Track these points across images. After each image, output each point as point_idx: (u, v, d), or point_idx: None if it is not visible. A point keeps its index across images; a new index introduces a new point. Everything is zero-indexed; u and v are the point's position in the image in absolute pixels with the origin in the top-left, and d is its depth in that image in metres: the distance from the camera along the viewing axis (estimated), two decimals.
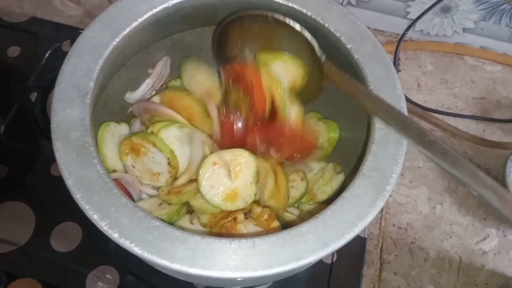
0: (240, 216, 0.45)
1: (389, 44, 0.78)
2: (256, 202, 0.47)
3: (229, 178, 0.45)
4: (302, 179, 0.49)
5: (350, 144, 0.48)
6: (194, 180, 0.46)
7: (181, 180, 0.47)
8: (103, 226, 0.33)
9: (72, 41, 0.69)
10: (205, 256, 0.33)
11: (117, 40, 0.41)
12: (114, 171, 0.47)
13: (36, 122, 0.63)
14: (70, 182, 0.35)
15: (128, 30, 0.42)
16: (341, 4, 0.75)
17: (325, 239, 0.34)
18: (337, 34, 0.43)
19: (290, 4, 0.44)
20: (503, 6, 0.68)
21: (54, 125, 0.37)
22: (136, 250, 0.33)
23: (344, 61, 0.44)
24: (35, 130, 0.63)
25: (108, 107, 0.48)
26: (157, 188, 0.48)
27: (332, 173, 0.50)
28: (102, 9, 0.80)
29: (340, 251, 0.57)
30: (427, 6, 0.70)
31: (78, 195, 0.34)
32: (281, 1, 0.45)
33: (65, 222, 0.57)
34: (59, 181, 0.58)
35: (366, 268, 0.59)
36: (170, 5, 0.44)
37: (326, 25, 0.44)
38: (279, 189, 0.46)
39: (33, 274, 0.53)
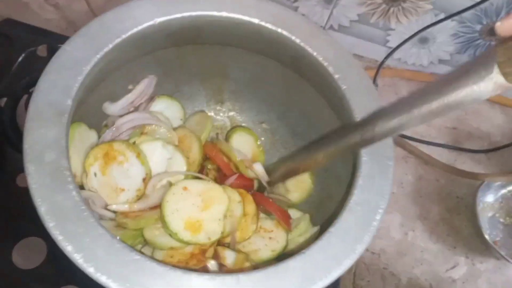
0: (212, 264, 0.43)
1: (368, 69, 0.79)
2: (221, 244, 0.46)
3: (198, 207, 0.43)
4: (282, 230, 0.48)
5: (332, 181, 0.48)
6: (157, 207, 0.44)
7: (143, 204, 0.44)
8: (78, 259, 0.31)
9: (48, 45, 0.67)
10: None
11: (98, 56, 0.39)
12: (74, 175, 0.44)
13: (4, 130, 0.60)
14: (43, 209, 0.32)
15: (111, 46, 0.40)
16: (323, 28, 0.77)
17: (312, 276, 0.33)
18: (325, 64, 0.43)
19: (279, 30, 0.44)
20: (478, 41, 0.71)
21: (26, 146, 0.34)
22: (112, 286, 0.30)
23: (329, 91, 0.44)
24: (2, 138, 0.60)
25: (81, 113, 0.46)
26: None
27: (308, 224, 0.50)
28: (81, 15, 0.79)
29: None
30: (406, 36, 0.71)
31: (50, 224, 0.32)
32: (270, 27, 0.44)
33: (29, 237, 0.53)
34: (25, 193, 0.56)
35: None
36: (156, 23, 0.42)
37: (315, 53, 0.44)
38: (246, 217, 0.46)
39: None
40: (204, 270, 0.42)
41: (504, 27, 0.26)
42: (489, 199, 0.68)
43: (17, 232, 0.54)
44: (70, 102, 0.36)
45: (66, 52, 0.39)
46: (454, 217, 0.68)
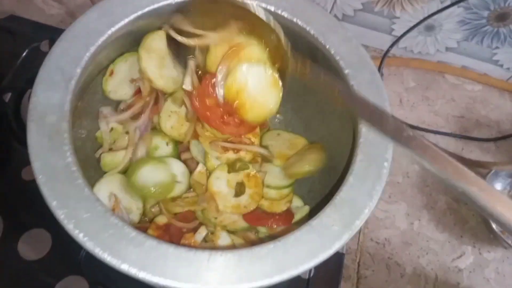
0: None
1: (373, 59, 0.77)
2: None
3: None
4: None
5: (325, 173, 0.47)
6: None
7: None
8: (60, 215, 0.32)
9: (51, 41, 0.68)
10: (157, 262, 0.32)
11: (113, 29, 0.40)
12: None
13: (8, 124, 0.60)
14: (36, 165, 0.34)
15: (126, 20, 0.41)
16: None
17: (282, 265, 0.33)
18: (337, 58, 0.43)
19: (294, 20, 0.44)
20: (486, 28, 0.69)
21: (31, 106, 0.36)
22: (88, 245, 0.32)
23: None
24: (7, 132, 0.61)
25: None
26: None
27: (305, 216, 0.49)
28: (85, 9, 0.79)
29: (317, 267, 0.57)
30: (411, 24, 0.70)
31: (41, 179, 0.33)
32: (286, 16, 0.44)
33: (34, 229, 0.54)
34: (30, 186, 0.57)
35: (343, 283, 0.58)
36: (173, 2, 0.43)
37: (327, 46, 0.43)
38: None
39: None
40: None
41: None
42: (497, 187, 0.66)
43: (23, 224, 0.55)
44: (78, 70, 0.38)
45: (81, 23, 0.40)
46: (461, 207, 0.67)
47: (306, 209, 0.48)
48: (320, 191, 0.46)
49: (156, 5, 0.42)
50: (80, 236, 0.32)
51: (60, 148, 0.34)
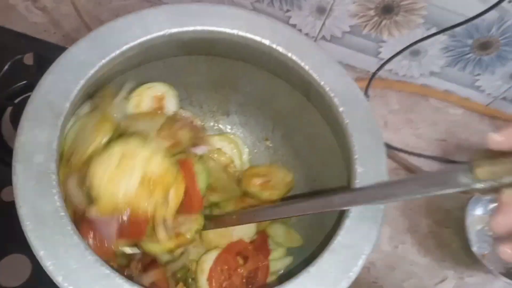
0: None
1: (359, 80, 0.79)
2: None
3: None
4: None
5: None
6: None
7: None
8: (48, 266, 0.31)
9: (35, 53, 0.65)
10: None
11: (104, 61, 0.39)
12: None
13: None
14: (23, 211, 0.32)
15: (118, 52, 0.39)
16: (315, 39, 0.77)
17: None
18: (331, 94, 0.42)
19: (289, 55, 0.43)
20: (469, 55, 0.72)
21: (17, 145, 0.34)
22: None
23: (334, 121, 0.44)
24: None
25: None
26: None
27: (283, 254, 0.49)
28: (70, 18, 0.77)
29: None
30: (398, 48, 0.71)
31: (28, 227, 0.32)
32: (280, 50, 0.43)
33: (13, 254, 0.52)
34: (10, 208, 0.54)
35: None
36: (167, 34, 0.42)
37: (322, 83, 0.43)
38: None
39: None
40: None
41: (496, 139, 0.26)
42: (478, 212, 0.68)
43: (1, 249, 0.52)
44: (68, 105, 0.36)
45: (71, 54, 0.39)
46: (443, 230, 0.68)
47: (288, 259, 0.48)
48: (318, 233, 0.46)
49: (149, 36, 0.41)
50: None
51: (49, 191, 0.33)
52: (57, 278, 0.30)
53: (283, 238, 0.46)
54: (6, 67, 0.64)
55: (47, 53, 0.66)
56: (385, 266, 0.64)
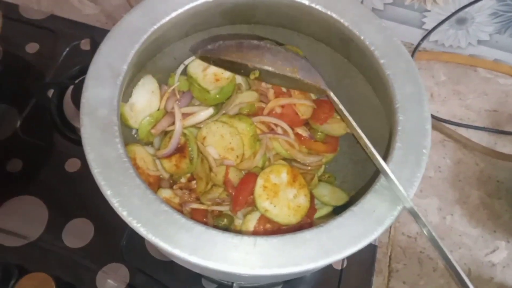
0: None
1: None
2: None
3: None
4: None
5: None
6: None
7: None
8: (114, 203, 0.34)
9: (91, 39, 0.70)
10: (206, 247, 0.33)
11: (155, 27, 0.43)
12: None
13: (52, 118, 0.63)
14: (91, 157, 0.36)
15: (167, 19, 0.43)
16: None
17: (326, 249, 0.33)
18: (372, 48, 0.43)
19: (329, 13, 0.45)
20: None
21: (84, 101, 0.38)
22: (142, 230, 0.33)
23: (375, 76, 0.44)
24: (51, 126, 0.64)
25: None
26: None
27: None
28: (120, 9, 0.82)
29: (350, 258, 0.57)
30: (443, 17, 0.70)
31: (96, 170, 0.35)
32: (320, 9, 0.45)
33: (77, 218, 0.57)
34: (73, 177, 0.60)
35: (375, 276, 0.59)
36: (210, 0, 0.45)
37: (362, 37, 0.44)
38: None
39: (44, 269, 0.53)
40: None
41: None
42: None
43: (66, 214, 0.58)
44: (125, 67, 0.40)
45: (126, 21, 0.43)
46: (495, 202, 0.66)
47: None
48: (354, 182, 0.46)
49: (195, 3, 0.44)
50: (134, 223, 0.33)
51: (112, 140, 0.36)
52: (123, 213, 0.34)
53: (328, 197, 0.47)
54: (65, 52, 0.70)
55: (101, 39, 0.71)
56: None
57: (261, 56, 0.47)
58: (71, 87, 0.63)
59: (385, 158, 0.39)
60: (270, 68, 0.46)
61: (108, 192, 0.34)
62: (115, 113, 0.38)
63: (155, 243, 0.33)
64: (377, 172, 0.38)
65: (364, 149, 0.42)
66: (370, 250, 0.58)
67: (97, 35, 0.69)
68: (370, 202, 0.36)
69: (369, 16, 0.45)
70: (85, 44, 0.71)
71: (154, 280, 0.54)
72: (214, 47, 0.48)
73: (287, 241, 0.34)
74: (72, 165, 0.61)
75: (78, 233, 0.56)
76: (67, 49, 0.70)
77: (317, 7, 0.45)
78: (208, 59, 0.49)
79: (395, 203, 0.36)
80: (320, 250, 0.33)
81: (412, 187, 0.37)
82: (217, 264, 0.32)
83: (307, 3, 0.45)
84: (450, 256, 0.35)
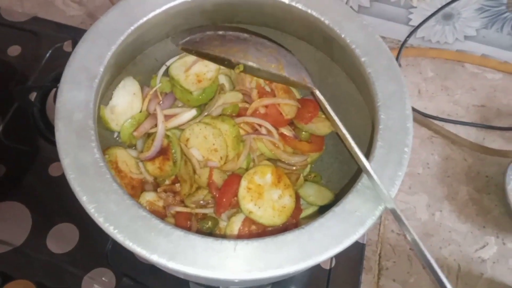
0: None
1: (390, 50, 0.77)
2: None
3: None
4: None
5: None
6: None
7: None
8: (90, 209, 0.33)
9: (74, 41, 0.70)
10: (185, 252, 0.32)
11: (132, 28, 0.42)
12: None
13: (35, 122, 0.63)
14: (66, 162, 0.35)
15: (145, 19, 0.42)
16: None
17: (307, 251, 0.33)
18: (352, 46, 0.43)
19: (309, 11, 0.44)
20: (505, 14, 0.68)
21: (59, 105, 0.37)
22: (119, 237, 0.33)
23: (357, 74, 0.44)
24: (34, 130, 0.63)
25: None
26: None
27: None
28: (103, 9, 0.81)
29: (338, 257, 0.57)
30: (429, 13, 0.70)
31: (71, 176, 0.34)
32: (300, 7, 0.44)
33: (62, 223, 0.56)
34: (57, 182, 0.59)
35: (364, 274, 0.58)
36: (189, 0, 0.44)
37: (343, 35, 0.43)
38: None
39: (28, 276, 0.53)
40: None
41: None
42: None
43: (51, 220, 0.57)
44: (101, 69, 0.39)
45: (102, 23, 0.42)
46: (484, 197, 0.66)
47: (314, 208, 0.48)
48: (340, 181, 0.46)
49: (173, 3, 0.43)
50: (110, 229, 0.33)
51: (88, 144, 0.36)
52: (99, 219, 0.33)
53: (314, 197, 0.47)
54: (47, 54, 0.69)
55: None
56: (423, 234, 0.63)
57: (245, 51, 0.46)
58: (54, 90, 0.62)
59: (367, 156, 0.38)
60: (254, 65, 0.46)
61: (83, 198, 0.34)
62: (91, 117, 0.37)
63: (132, 249, 0.32)
64: (358, 172, 0.38)
65: (348, 148, 0.41)
66: (358, 249, 0.58)
67: (79, 37, 0.68)
68: (352, 202, 0.35)
69: (350, 14, 0.44)
70: (68, 46, 0.70)
71: (141, 285, 0.53)
72: (197, 39, 0.48)
73: (268, 244, 0.33)
74: (56, 169, 0.60)
75: (62, 238, 0.55)
76: (50, 51, 0.69)
77: (297, 5, 0.44)
78: (190, 50, 0.48)
79: (377, 203, 0.36)
80: (302, 252, 0.33)
81: (394, 185, 0.36)
82: (197, 269, 0.32)
83: (287, 1, 0.44)
84: (431, 259, 0.34)
